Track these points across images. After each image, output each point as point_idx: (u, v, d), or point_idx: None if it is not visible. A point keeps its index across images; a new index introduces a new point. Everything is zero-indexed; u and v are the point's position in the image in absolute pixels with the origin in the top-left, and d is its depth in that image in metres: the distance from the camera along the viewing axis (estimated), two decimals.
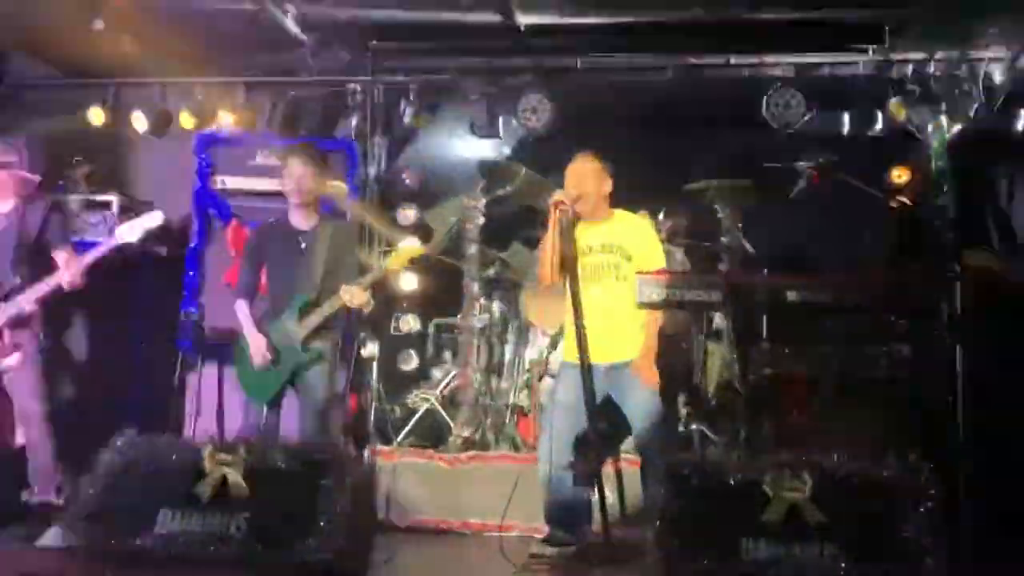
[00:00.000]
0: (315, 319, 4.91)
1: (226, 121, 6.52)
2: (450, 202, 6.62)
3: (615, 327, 4.45)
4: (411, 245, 5.18)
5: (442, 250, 6.54)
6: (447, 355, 6.72)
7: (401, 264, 5.15)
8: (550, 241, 4.37)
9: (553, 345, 5.84)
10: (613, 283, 4.46)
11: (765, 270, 6.22)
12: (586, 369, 4.14)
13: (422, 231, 6.73)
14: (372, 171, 6.64)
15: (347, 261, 5.05)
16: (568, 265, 4.27)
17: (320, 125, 6.70)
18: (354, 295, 4.86)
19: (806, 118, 6.10)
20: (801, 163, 5.43)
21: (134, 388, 6.18)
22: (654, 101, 6.76)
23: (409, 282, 6.69)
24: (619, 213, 4.64)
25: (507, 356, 6.19)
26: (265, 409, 4.90)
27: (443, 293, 6.64)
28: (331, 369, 4.99)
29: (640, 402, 4.44)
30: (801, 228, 6.46)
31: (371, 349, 6.43)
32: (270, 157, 6.28)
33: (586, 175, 4.52)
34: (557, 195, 4.36)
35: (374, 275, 5.00)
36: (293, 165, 4.99)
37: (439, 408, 6.19)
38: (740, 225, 6.06)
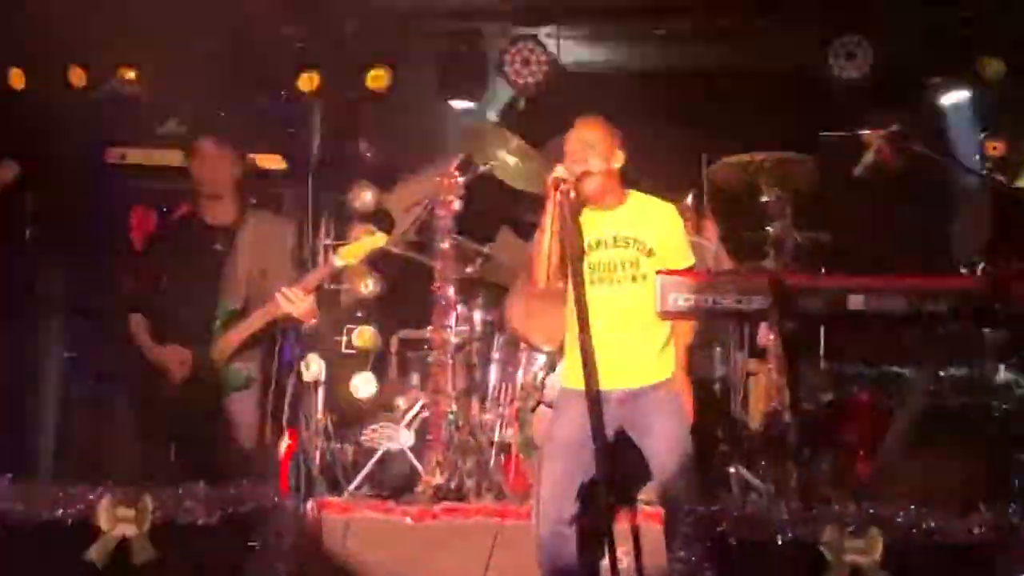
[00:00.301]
0: (241, 333, 4.90)
1: (128, 77, 6.49)
2: (418, 182, 6.60)
3: (632, 343, 4.45)
4: (368, 236, 5.17)
5: (408, 243, 6.53)
6: (414, 378, 6.68)
7: (356, 260, 5.12)
8: (548, 231, 4.36)
9: (551, 366, 5.83)
10: (629, 286, 4.46)
11: (823, 268, 6.25)
12: (594, 397, 4.14)
13: (382, 218, 6.73)
14: (319, 142, 6.64)
15: (280, 259, 5.07)
16: (571, 263, 4.26)
17: (251, 83, 6.72)
18: (294, 300, 4.86)
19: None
20: (869, 132, 5.42)
21: (4, 421, 6.13)
22: (681, 51, 6.79)
23: (365, 284, 6.67)
24: (635, 195, 4.64)
25: (491, 380, 6.18)
26: (174, 448, 4.90)
27: (409, 299, 6.62)
28: (262, 397, 4.98)
29: (664, 439, 4.42)
30: (869, 215, 6.47)
31: (315, 371, 6.40)
32: (184, 124, 6.28)
33: (593, 146, 4.51)
34: (558, 171, 4.36)
35: (320, 274, 4.99)
36: (204, 144, 4.99)
37: (404, 447, 6.17)
38: (791, 211, 6.05)
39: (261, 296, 4.95)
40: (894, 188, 6.32)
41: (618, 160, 4.56)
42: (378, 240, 5.22)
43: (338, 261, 5.10)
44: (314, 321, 5.11)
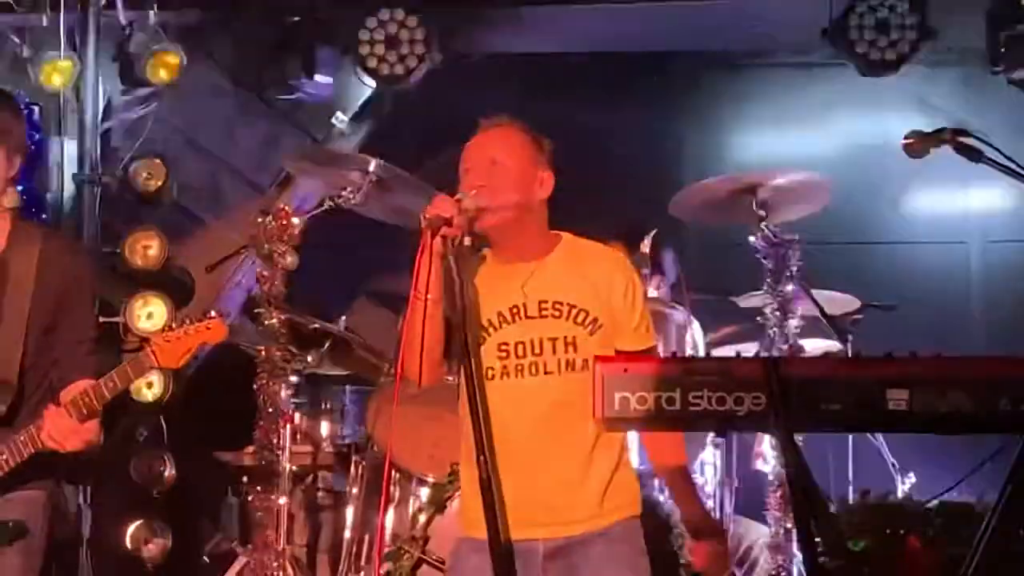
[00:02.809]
0: (8, 456, 4.81)
1: None
2: (231, 226, 6.62)
3: (569, 466, 4.42)
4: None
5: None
6: (233, 527, 6.73)
7: (178, 362, 5.04)
8: (425, 298, 4.35)
9: (437, 505, 5.81)
10: (564, 379, 4.39)
11: (847, 346, 6.32)
12: (503, 552, 4.10)
13: (177, 283, 6.71)
14: (73, 161, 6.65)
15: (82, 316, 4.96)
16: (469, 345, 4.23)
17: None
18: (62, 434, 4.79)
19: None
20: (911, 139, 5.51)
21: None
22: (631, 30, 6.89)
23: (149, 384, 6.64)
24: (568, 240, 4.60)
25: (347, 526, 6.18)
26: None
27: (218, 405, 6.65)
28: (34, 551, 4.86)
29: None
30: (915, 262, 6.53)
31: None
32: None
33: (502, 163, 4.49)
34: (438, 204, 4.32)
35: (126, 376, 4.87)
36: None
37: None
38: (798, 261, 6.11)
39: (45, 384, 4.89)
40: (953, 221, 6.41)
41: (544, 186, 4.51)
42: (213, 332, 5.15)
43: (152, 362, 4.95)
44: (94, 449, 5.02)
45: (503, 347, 4.42)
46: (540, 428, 4.38)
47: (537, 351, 4.43)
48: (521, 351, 4.43)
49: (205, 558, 6.64)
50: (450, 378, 4.58)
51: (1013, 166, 4.82)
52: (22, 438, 4.82)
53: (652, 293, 6.17)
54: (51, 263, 4.97)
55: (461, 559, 4.54)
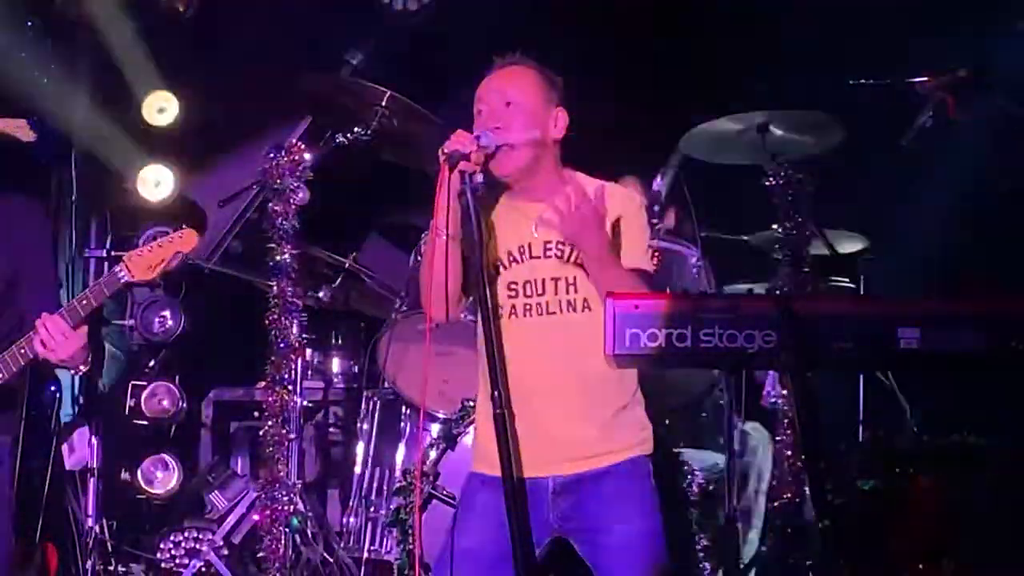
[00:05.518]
0: None
1: None
2: (243, 160, 6.63)
3: (575, 404, 4.43)
4: (167, 241, 5.16)
5: (228, 254, 6.52)
6: (238, 463, 6.74)
7: (153, 275, 5.12)
8: (441, 234, 4.35)
9: (449, 440, 5.83)
10: (567, 318, 4.43)
11: (860, 288, 6.32)
12: (512, 488, 4.16)
13: (188, 216, 6.71)
14: (87, 98, 6.57)
15: (38, 264, 5.09)
16: (477, 283, 4.25)
17: None
18: (55, 338, 4.83)
19: None
20: (925, 79, 5.49)
21: None
22: None
23: (161, 317, 6.64)
24: (581, 180, 4.58)
25: (357, 462, 6.20)
26: None
27: (230, 340, 6.68)
28: (2, 493, 4.97)
29: (625, 548, 4.40)
30: (927, 202, 6.54)
31: (82, 452, 6.35)
32: None
33: (516, 103, 4.49)
34: (454, 142, 4.33)
35: (96, 296, 4.95)
36: None
37: (222, 570, 6.15)
38: (810, 198, 6.09)
39: (6, 324, 4.92)
40: (964, 164, 6.40)
41: (558, 125, 4.52)
42: (184, 241, 5.16)
43: (124, 275, 5.03)
44: (84, 369, 5.06)
45: (512, 286, 4.44)
46: (548, 367, 4.40)
47: (540, 291, 4.45)
48: (528, 290, 4.46)
49: (215, 492, 6.60)
50: (464, 315, 4.61)
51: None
52: (12, 351, 4.86)
53: (662, 230, 6.16)
54: (11, 219, 5.04)
55: (471, 493, 4.56)
